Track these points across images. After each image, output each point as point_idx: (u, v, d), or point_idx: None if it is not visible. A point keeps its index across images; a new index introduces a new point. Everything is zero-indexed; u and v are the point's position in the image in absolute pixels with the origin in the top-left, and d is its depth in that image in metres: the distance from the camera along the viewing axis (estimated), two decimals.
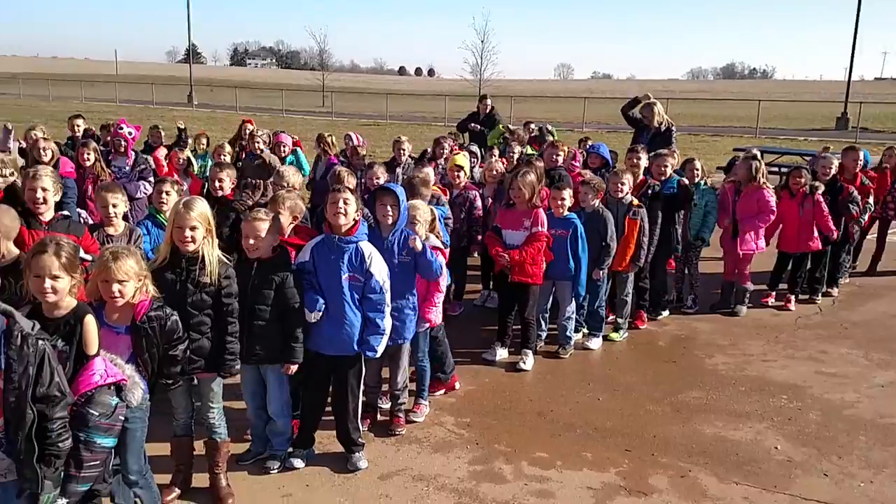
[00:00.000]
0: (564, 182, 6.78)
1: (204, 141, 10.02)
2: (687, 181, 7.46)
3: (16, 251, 3.93)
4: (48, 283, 3.15)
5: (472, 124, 12.04)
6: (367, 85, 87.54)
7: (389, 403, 5.21)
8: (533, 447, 4.95)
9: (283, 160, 9.03)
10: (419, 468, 4.65)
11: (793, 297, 8.14)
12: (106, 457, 3.22)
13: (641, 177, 7.31)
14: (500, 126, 11.76)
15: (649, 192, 7.07)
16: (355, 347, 4.44)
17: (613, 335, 7.01)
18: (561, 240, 6.22)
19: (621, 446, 4.98)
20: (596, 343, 6.81)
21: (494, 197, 7.47)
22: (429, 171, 6.97)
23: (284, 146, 9.36)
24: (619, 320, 7.06)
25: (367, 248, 4.43)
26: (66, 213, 5.05)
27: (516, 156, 8.79)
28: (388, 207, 4.71)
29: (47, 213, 4.76)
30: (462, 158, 7.60)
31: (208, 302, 3.96)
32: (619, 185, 6.74)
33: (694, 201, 7.47)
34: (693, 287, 7.95)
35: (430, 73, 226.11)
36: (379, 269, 4.42)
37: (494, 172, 7.65)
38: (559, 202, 6.27)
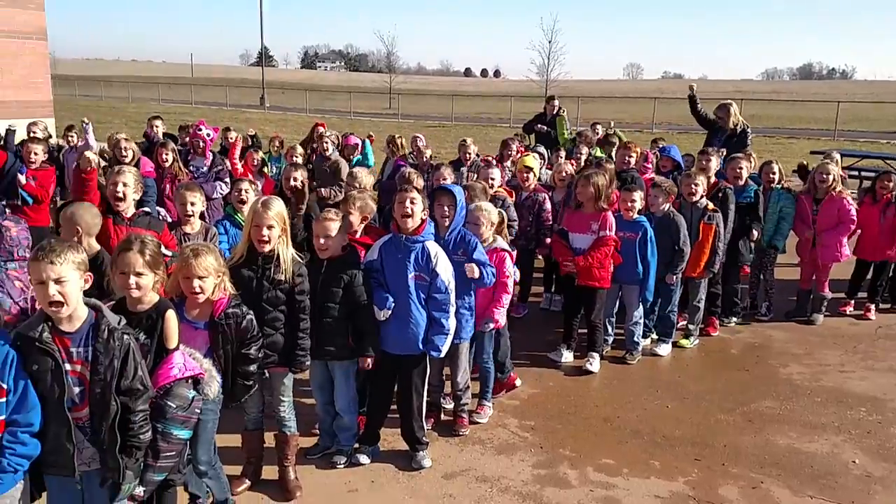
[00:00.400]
0: (636, 184, 6.67)
1: (277, 143, 10.27)
2: (762, 190, 7.25)
3: (97, 247, 4.10)
4: (133, 279, 3.27)
5: (539, 125, 11.96)
6: (434, 87, 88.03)
7: (453, 404, 5.23)
8: (599, 453, 4.88)
9: (350, 161, 9.19)
10: (483, 469, 4.65)
11: (873, 306, 7.80)
12: (181, 448, 3.32)
13: (713, 179, 7.13)
14: (565, 133, 11.66)
15: (719, 195, 6.89)
16: (420, 347, 4.48)
17: (683, 342, 6.85)
18: (629, 243, 6.12)
19: (690, 455, 4.87)
20: (665, 349, 6.67)
21: (564, 201, 7.40)
22: (496, 173, 6.93)
23: (353, 147, 9.52)
24: (690, 326, 6.90)
25: (434, 247, 4.46)
26: (146, 209, 5.25)
27: (584, 157, 8.69)
28: (446, 208, 4.73)
29: (128, 210, 4.96)
30: (532, 160, 7.54)
31: (282, 299, 4.06)
32: (693, 186, 6.59)
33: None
34: (768, 294, 7.70)
35: (496, 74, 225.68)
36: (444, 269, 4.44)
37: (563, 175, 7.57)
38: (629, 204, 6.17)
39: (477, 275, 4.63)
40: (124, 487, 3.05)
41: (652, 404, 5.65)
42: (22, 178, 7.04)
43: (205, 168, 8.04)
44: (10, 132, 9.22)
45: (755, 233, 7.10)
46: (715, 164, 7.29)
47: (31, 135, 8.66)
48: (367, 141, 10.16)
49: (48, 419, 2.92)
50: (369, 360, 4.42)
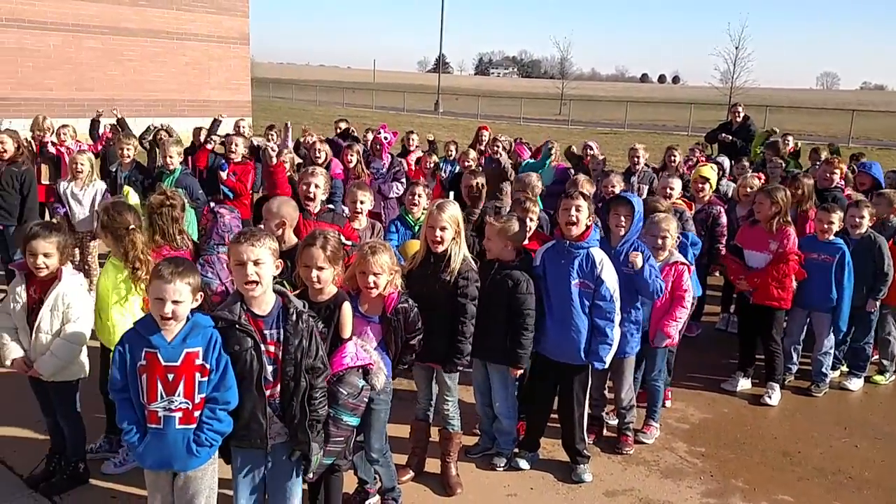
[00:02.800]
0: (838, 204, 6.10)
1: (452, 148, 10.50)
2: None
3: (294, 239, 4.39)
4: (314, 273, 3.48)
5: (723, 135, 11.34)
6: (607, 92, 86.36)
7: (617, 420, 5.07)
8: (775, 488, 4.54)
9: (517, 166, 9.20)
10: (647, 491, 4.47)
11: None
12: (349, 434, 3.47)
13: None
14: (759, 147, 10.90)
15: None
16: (582, 356, 4.38)
17: (878, 377, 6.21)
18: (824, 266, 5.63)
19: (881, 499, 4.41)
20: (857, 384, 6.08)
21: (747, 216, 6.95)
22: (676, 183, 6.62)
23: (521, 154, 9.54)
24: (885, 362, 6.24)
25: (599, 254, 4.35)
26: (331, 206, 5.56)
27: (778, 170, 8.10)
28: (622, 217, 4.60)
29: (315, 206, 5.28)
30: (708, 170, 7.13)
31: (447, 299, 4.12)
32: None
33: None
34: None
35: (675, 80, 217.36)
36: (610, 277, 4.31)
37: (748, 189, 7.08)
38: (826, 226, 5.68)
39: (640, 264, 4.45)
40: (314, 458, 3.24)
41: (838, 442, 5.17)
42: (223, 174, 7.73)
43: (383, 169, 8.39)
44: (216, 122, 10.17)
45: None
46: None
47: (237, 130, 9.47)
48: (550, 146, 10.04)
49: (244, 396, 3.15)
50: (518, 371, 4.39)
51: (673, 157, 8.57)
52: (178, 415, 3.07)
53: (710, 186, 6.96)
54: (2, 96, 16.96)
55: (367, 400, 3.51)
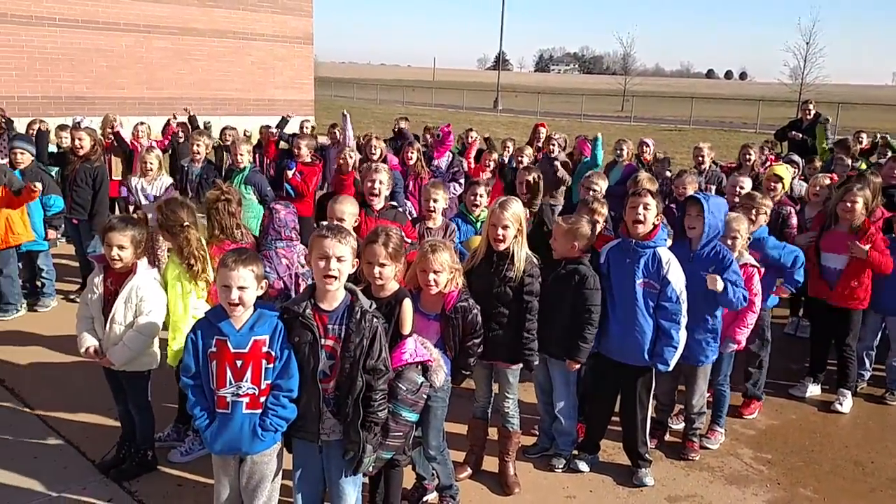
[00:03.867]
0: None
1: (510, 145, 10.45)
2: None
3: (353, 235, 4.43)
4: (377, 269, 3.51)
5: (793, 132, 10.98)
6: (671, 89, 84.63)
7: (682, 425, 4.96)
8: (846, 499, 4.38)
9: (578, 163, 9.09)
10: (710, 497, 4.36)
11: None
12: (408, 430, 3.48)
13: None
14: (825, 143, 10.49)
15: None
16: (646, 358, 4.29)
17: None
18: None
19: None
20: None
21: (816, 218, 6.68)
22: (746, 182, 6.43)
23: (584, 151, 9.41)
24: None
25: (665, 254, 4.26)
26: (394, 203, 5.60)
27: (844, 170, 7.80)
28: (693, 219, 4.49)
29: (379, 203, 5.33)
30: (783, 169, 6.86)
31: (510, 296, 4.10)
32: None
33: None
34: None
35: (742, 76, 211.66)
36: (676, 277, 4.22)
37: (818, 189, 6.80)
38: None
39: (720, 288, 4.34)
40: (365, 460, 3.27)
41: None
42: (289, 173, 7.87)
43: (443, 168, 8.41)
44: (284, 121, 10.40)
45: None
46: None
47: (302, 131, 9.65)
48: (600, 141, 9.92)
49: (301, 388, 3.22)
50: (576, 365, 4.34)
51: (748, 156, 8.32)
52: (245, 400, 3.18)
53: (783, 186, 6.71)
54: (77, 95, 17.66)
55: (426, 396, 3.53)
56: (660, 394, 4.66)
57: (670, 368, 4.36)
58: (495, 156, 8.98)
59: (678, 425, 5.02)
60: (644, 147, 9.34)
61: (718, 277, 4.34)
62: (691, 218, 4.50)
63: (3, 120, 9.45)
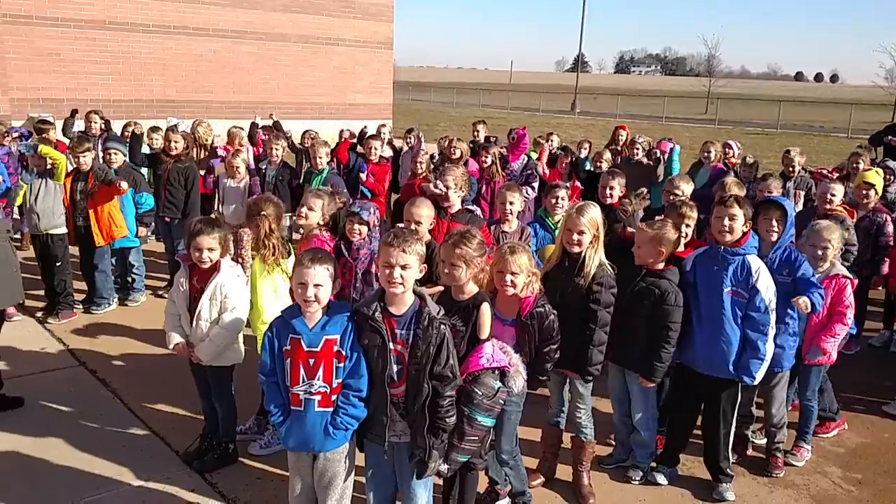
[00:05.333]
0: None
1: (586, 146, 10.30)
2: None
3: (428, 237, 4.47)
4: (450, 270, 3.51)
5: (890, 137, 10.41)
6: (757, 91, 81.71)
7: (764, 439, 4.77)
8: None
9: (656, 166, 8.87)
10: None
11: None
12: (484, 434, 3.46)
13: None
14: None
15: None
16: (731, 370, 4.14)
17: None
18: None
19: None
20: None
21: None
22: (838, 189, 6.14)
23: (664, 153, 9.19)
24: None
25: (755, 262, 4.09)
26: (469, 207, 5.60)
27: None
28: (774, 222, 4.31)
29: (453, 206, 5.33)
30: (874, 175, 6.55)
31: (582, 304, 4.03)
32: None
33: None
34: None
35: (833, 78, 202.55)
36: (766, 287, 4.05)
37: None
38: None
39: (809, 309, 4.16)
40: (430, 465, 3.27)
41: None
42: (363, 176, 8.06)
43: (517, 171, 8.35)
44: (362, 134, 10.60)
45: None
46: None
47: (379, 134, 9.83)
48: (676, 149, 9.67)
49: (370, 390, 3.25)
50: (649, 383, 4.22)
51: (857, 164, 7.94)
52: (318, 398, 3.23)
53: (876, 193, 6.42)
54: (169, 98, 18.41)
55: (502, 402, 3.48)
56: (740, 405, 4.47)
57: (756, 382, 4.20)
58: (569, 159, 8.84)
59: (761, 440, 4.83)
60: (728, 149, 9.03)
61: (804, 298, 4.16)
62: (770, 221, 4.33)
63: (102, 122, 9.99)
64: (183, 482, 4.26)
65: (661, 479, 4.44)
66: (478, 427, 3.39)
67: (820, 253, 4.51)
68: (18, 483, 4.19)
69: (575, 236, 4.01)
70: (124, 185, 6.84)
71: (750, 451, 4.82)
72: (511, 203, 5.29)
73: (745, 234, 4.10)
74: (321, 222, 4.68)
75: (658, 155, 8.93)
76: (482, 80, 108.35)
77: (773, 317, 4.08)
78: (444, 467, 3.38)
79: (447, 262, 3.52)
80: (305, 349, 3.22)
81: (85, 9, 16.70)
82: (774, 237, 4.32)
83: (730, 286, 4.07)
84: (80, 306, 7.16)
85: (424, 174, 7.48)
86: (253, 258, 4.59)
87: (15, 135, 8.88)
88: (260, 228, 4.44)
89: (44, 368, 5.75)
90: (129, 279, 7.66)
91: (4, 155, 8.24)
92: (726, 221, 4.07)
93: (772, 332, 4.11)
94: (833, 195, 5.94)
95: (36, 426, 4.82)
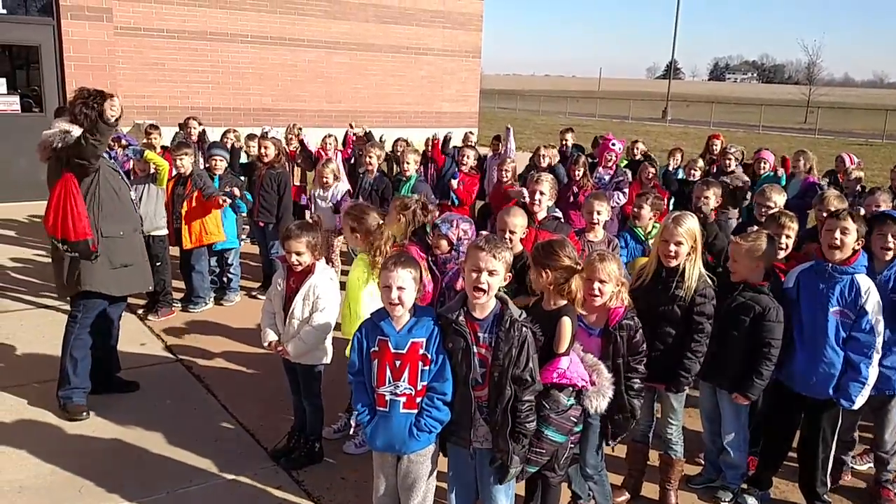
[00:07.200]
0: None
1: (678, 155, 10.03)
2: None
3: (520, 247, 4.46)
4: (536, 278, 3.51)
5: None
6: (862, 100, 77.52)
7: (865, 465, 4.50)
8: None
9: (757, 178, 8.56)
10: None
11: None
12: (554, 449, 3.39)
13: None
14: None
15: None
16: (830, 392, 3.94)
17: None
18: None
19: None
20: None
21: None
22: None
23: (765, 163, 8.85)
24: None
25: (865, 281, 3.87)
26: (556, 213, 5.56)
27: None
28: (889, 238, 4.07)
29: (541, 213, 5.30)
30: None
31: (678, 315, 3.92)
32: None
33: None
34: None
35: None
36: (874, 308, 3.83)
37: None
38: None
39: None
40: (512, 470, 3.25)
41: None
42: (454, 183, 8.15)
43: (606, 179, 8.24)
44: (447, 139, 10.67)
45: None
46: None
47: (466, 142, 9.90)
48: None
49: (455, 394, 3.27)
50: (743, 400, 4.04)
51: None
52: (403, 399, 3.27)
53: None
54: (265, 107, 19.08)
55: (574, 419, 3.41)
56: (840, 429, 4.25)
57: (855, 407, 3.98)
58: (653, 169, 8.61)
59: (861, 466, 4.57)
60: (840, 164, 8.60)
61: None
62: (885, 238, 4.09)
63: (201, 130, 10.46)
64: (271, 479, 4.38)
65: (751, 501, 4.26)
66: (546, 441, 3.33)
67: None
68: (119, 468, 4.42)
69: (672, 247, 3.91)
70: (226, 199, 7.11)
71: (848, 478, 4.57)
72: (598, 213, 5.20)
73: (855, 251, 3.89)
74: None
75: (756, 170, 8.63)
76: (571, 87, 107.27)
77: (879, 339, 3.86)
78: (503, 483, 3.32)
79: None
80: (392, 351, 3.27)
81: (188, 20, 17.52)
82: (889, 255, 4.09)
83: (836, 306, 3.88)
84: (179, 305, 7.50)
85: (510, 181, 7.51)
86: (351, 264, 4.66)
87: (124, 143, 9.40)
88: (381, 237, 4.44)
89: (143, 363, 6.04)
90: (226, 280, 7.97)
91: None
92: (837, 234, 3.86)
93: (877, 355, 3.89)
94: None
95: (138, 415, 5.07)
